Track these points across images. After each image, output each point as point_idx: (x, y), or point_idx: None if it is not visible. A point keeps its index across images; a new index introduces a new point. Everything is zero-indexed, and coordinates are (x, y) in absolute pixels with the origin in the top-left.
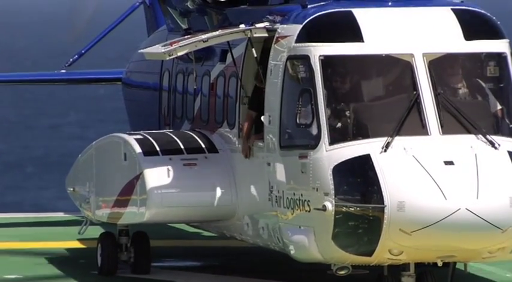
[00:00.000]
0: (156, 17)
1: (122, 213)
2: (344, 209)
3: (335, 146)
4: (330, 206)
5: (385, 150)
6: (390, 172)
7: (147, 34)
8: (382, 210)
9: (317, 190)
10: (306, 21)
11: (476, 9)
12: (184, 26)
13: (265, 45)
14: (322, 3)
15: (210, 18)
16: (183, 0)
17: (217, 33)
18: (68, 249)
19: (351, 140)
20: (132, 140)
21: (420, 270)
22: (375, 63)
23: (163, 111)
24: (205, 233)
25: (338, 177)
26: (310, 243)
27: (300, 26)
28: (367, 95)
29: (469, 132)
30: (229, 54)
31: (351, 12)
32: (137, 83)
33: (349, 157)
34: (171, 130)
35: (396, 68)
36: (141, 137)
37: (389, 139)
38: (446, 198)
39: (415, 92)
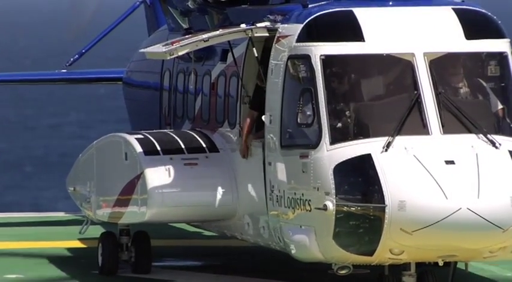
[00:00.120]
0: (156, 17)
1: (123, 213)
2: (345, 208)
3: (336, 145)
4: (330, 205)
5: (386, 150)
6: (391, 172)
7: (147, 34)
8: (383, 209)
9: (318, 190)
10: (306, 20)
11: (477, 9)
12: (185, 26)
13: (266, 45)
14: (323, 2)
15: (211, 18)
16: (183, 0)
17: (218, 32)
18: (69, 249)
19: (351, 140)
20: (133, 139)
21: (421, 269)
22: (375, 62)
23: (164, 111)
24: (206, 233)
25: (339, 176)
26: (311, 243)
27: (300, 26)
28: (368, 94)
29: (470, 131)
30: (230, 54)
31: (351, 11)
32: (138, 83)
33: (350, 157)
34: (171, 130)
35: (397, 68)
36: (142, 136)
37: (390, 139)
38: (447, 198)
39: (416, 92)
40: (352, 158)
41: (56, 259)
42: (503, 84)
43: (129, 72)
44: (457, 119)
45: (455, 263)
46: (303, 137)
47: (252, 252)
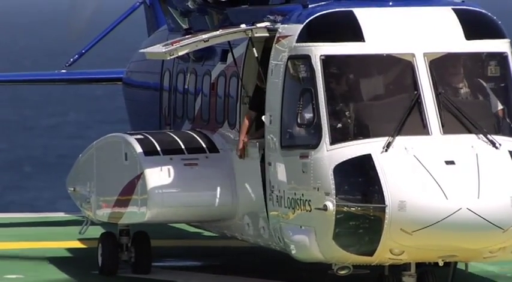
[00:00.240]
0: (156, 17)
1: (123, 213)
2: (345, 208)
3: (336, 145)
4: (331, 205)
5: (386, 150)
6: (391, 172)
7: (147, 34)
8: (383, 210)
9: (318, 190)
10: (307, 20)
11: (477, 9)
12: (184, 26)
13: (266, 45)
14: (323, 2)
15: (211, 18)
16: (183, 0)
17: (218, 33)
18: (69, 249)
19: (352, 140)
20: (132, 139)
21: (421, 270)
22: (375, 63)
23: (164, 111)
24: (206, 233)
25: (339, 177)
26: (311, 243)
27: (301, 26)
28: (368, 94)
29: (470, 131)
30: (230, 54)
31: (351, 12)
32: (138, 83)
33: (350, 157)
34: (171, 130)
35: (397, 68)
36: (142, 136)
37: (391, 139)
38: (447, 198)
39: (416, 92)
40: (352, 158)
41: (55, 259)
42: (503, 85)
43: (129, 73)
44: (457, 119)
45: (455, 263)
46: (303, 137)
47: (252, 252)
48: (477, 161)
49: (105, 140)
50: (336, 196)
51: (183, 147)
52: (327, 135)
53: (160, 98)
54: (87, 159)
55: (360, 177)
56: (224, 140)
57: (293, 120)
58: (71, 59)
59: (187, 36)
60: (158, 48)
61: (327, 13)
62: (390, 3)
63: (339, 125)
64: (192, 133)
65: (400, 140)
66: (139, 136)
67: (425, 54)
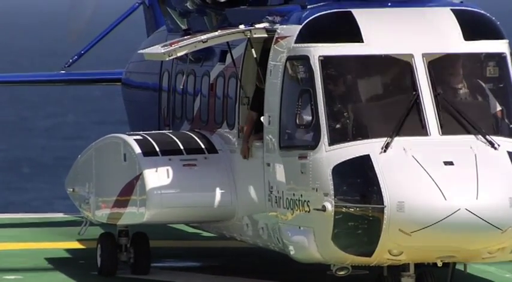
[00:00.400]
0: (155, 18)
1: (122, 214)
2: (344, 209)
3: (335, 146)
4: (329, 206)
5: (385, 151)
6: (390, 172)
7: (146, 35)
8: (381, 210)
9: (317, 190)
10: (305, 21)
11: (476, 10)
12: (183, 27)
13: (265, 46)
14: (321, 3)
15: (210, 19)
16: (182, 0)
17: (216, 33)
18: (68, 250)
19: (350, 141)
20: (131, 140)
21: (420, 270)
22: (374, 63)
23: (163, 112)
24: (205, 234)
25: (338, 177)
26: (310, 244)
27: (299, 27)
28: (366, 95)
29: (468, 132)
30: (228, 55)
31: (350, 12)
32: (137, 84)
33: (348, 157)
34: (170, 131)
35: (396, 69)
36: (141, 137)
37: (389, 139)
38: (446, 199)
39: (414, 93)
40: (351, 158)
41: (54, 260)
42: (501, 85)
43: (128, 73)
44: (456, 120)
45: (454, 263)
46: (302, 138)
47: (251, 253)
48: (476, 162)
49: (104, 141)
50: (335, 197)
51: (181, 147)
52: (326, 136)
53: (159, 98)
54: (86, 160)
55: (358, 178)
56: (223, 141)
57: (292, 121)
58: (70, 60)
59: (186, 37)
60: (157, 49)
61: (325, 14)
62: (389, 4)
63: (338, 126)
64: (190, 134)
65: (399, 141)
66: (138, 137)
67: (423, 55)
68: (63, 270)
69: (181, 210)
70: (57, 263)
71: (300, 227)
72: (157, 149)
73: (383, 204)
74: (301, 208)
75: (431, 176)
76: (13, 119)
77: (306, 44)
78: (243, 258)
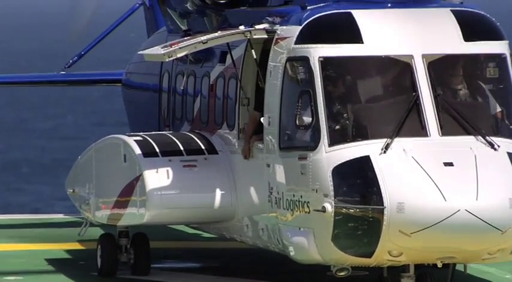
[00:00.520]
0: (155, 18)
1: (122, 215)
2: (343, 210)
3: (334, 147)
4: (329, 207)
5: (385, 152)
6: (390, 173)
7: (146, 35)
8: (381, 211)
9: (316, 191)
10: (305, 22)
11: (476, 11)
12: (183, 27)
13: (265, 47)
14: (321, 4)
15: (210, 20)
16: (182, 1)
17: (216, 34)
18: (68, 251)
19: (350, 142)
20: (131, 141)
21: (420, 271)
22: (374, 64)
23: (163, 113)
24: (205, 235)
25: (337, 178)
26: (310, 245)
27: (299, 28)
28: (366, 96)
29: (468, 133)
30: (228, 56)
31: (350, 13)
32: (137, 85)
33: (348, 158)
34: (170, 131)
35: (395, 69)
36: (141, 138)
37: (389, 140)
38: (445, 200)
39: (414, 93)
40: (351, 159)
41: (55, 261)
42: (501, 86)
43: (128, 74)
44: (456, 121)
45: (454, 264)
46: (302, 139)
47: (251, 254)
48: (476, 163)
49: (104, 142)
50: (335, 198)
51: (181, 148)
52: (326, 137)
53: (159, 99)
54: (86, 161)
55: (358, 179)
56: (223, 142)
57: (292, 122)
58: (70, 61)
59: (186, 38)
60: (157, 49)
61: (325, 15)
62: (389, 5)
63: (338, 127)
64: (191, 134)
65: (399, 142)
66: (138, 137)
67: (423, 56)
68: (63, 271)
69: (182, 211)
70: (57, 264)
71: (299, 228)
72: (158, 150)
73: (383, 205)
74: (301, 209)
75: (431, 177)
76: (13, 119)
77: (305, 45)
78: (243, 259)
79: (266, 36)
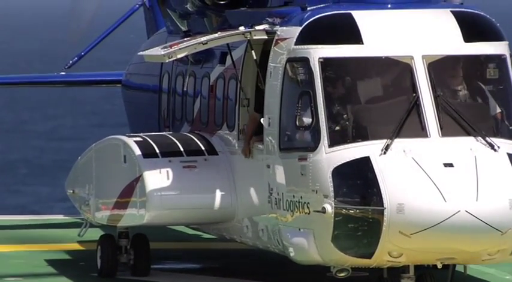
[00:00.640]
0: (155, 19)
1: (122, 216)
2: (343, 211)
3: (334, 148)
4: (329, 208)
5: (385, 153)
6: (390, 174)
7: (146, 36)
8: (381, 212)
9: (316, 192)
10: (305, 23)
11: (476, 11)
12: (183, 28)
13: (265, 48)
14: (321, 5)
15: (210, 21)
16: (182, 2)
17: (216, 35)
18: (68, 252)
19: (350, 142)
20: (131, 142)
21: (420, 272)
22: (374, 65)
23: (163, 114)
24: (205, 235)
25: (337, 179)
26: (310, 246)
27: (299, 28)
28: (366, 97)
29: (468, 134)
30: (228, 57)
31: (350, 14)
32: (137, 85)
33: (348, 159)
34: (170, 132)
35: (396, 70)
36: (141, 139)
37: (389, 141)
38: (445, 201)
39: (414, 94)
40: (351, 160)
41: (54, 262)
42: (501, 87)
43: (128, 75)
44: (456, 122)
45: (454, 265)
46: (302, 140)
47: (251, 254)
48: (476, 164)
49: (104, 143)
50: (335, 199)
51: (181, 149)
52: (326, 138)
53: (159, 100)
54: (86, 162)
55: (358, 180)
56: (223, 142)
57: (292, 123)
58: (70, 61)
59: (186, 39)
60: (157, 50)
61: (325, 15)
62: (389, 6)
63: (338, 128)
64: (191, 135)
65: (399, 143)
66: (138, 138)
67: (423, 57)
68: (63, 272)
69: (181, 212)
70: (57, 264)
71: (299, 229)
72: (157, 151)
73: (383, 206)
74: (301, 210)
75: (431, 178)
76: (12, 120)
77: (306, 46)
78: (243, 259)
79: (266, 37)
